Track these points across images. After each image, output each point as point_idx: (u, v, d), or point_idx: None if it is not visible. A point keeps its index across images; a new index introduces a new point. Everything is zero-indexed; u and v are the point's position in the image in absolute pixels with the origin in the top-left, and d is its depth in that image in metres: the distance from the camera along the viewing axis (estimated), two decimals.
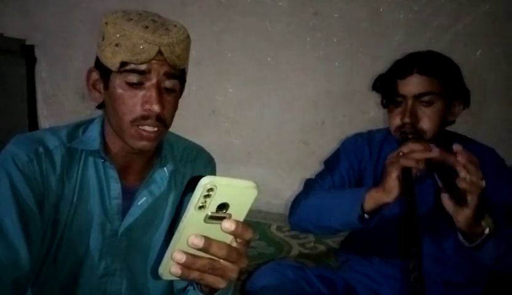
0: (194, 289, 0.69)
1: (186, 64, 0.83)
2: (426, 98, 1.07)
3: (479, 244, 0.93)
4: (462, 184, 0.88)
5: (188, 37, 0.81)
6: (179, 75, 0.81)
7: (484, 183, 0.88)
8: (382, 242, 1.16)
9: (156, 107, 0.77)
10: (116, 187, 0.86)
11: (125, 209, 0.87)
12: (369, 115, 2.29)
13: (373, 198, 0.99)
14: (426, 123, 1.07)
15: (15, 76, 2.65)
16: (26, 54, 2.69)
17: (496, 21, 2.07)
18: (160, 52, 0.76)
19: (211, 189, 0.51)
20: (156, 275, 0.61)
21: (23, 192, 0.76)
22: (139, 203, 0.87)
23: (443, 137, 1.12)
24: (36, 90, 2.79)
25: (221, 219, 0.54)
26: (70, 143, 0.84)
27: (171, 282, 0.92)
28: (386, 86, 1.15)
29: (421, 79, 1.07)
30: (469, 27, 2.09)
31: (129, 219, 0.87)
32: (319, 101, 2.37)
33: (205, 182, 0.51)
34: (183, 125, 0.96)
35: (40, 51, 2.75)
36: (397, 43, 2.20)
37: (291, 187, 2.42)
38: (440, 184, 0.95)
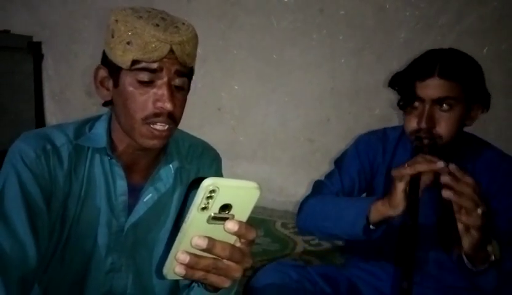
0: (198, 286, 0.70)
1: (194, 62, 0.83)
2: (445, 103, 1.02)
3: (481, 270, 0.90)
4: (460, 218, 0.84)
5: (196, 35, 0.81)
6: (188, 73, 0.82)
7: (480, 211, 0.83)
8: (385, 245, 1.14)
9: (168, 105, 0.78)
10: (122, 184, 0.86)
11: (131, 206, 0.88)
12: (375, 113, 2.28)
13: (378, 211, 0.98)
14: (443, 128, 1.03)
15: (22, 73, 2.68)
16: (33, 51, 2.71)
17: (503, 18, 2.05)
18: (171, 50, 0.76)
19: (213, 190, 0.52)
20: (160, 275, 0.62)
21: (31, 189, 0.77)
22: (145, 200, 0.88)
23: (459, 141, 1.09)
24: (42, 86, 2.81)
25: (224, 219, 0.54)
26: (77, 140, 0.84)
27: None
28: (403, 87, 1.09)
29: (441, 83, 1.01)
30: (476, 24, 2.08)
31: (135, 216, 0.87)
32: (324, 98, 2.37)
33: (207, 183, 0.51)
34: (188, 122, 0.96)
35: (47, 48, 2.77)
36: (403, 40, 2.19)
37: (296, 185, 2.43)
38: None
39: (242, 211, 0.55)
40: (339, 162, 1.26)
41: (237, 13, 2.42)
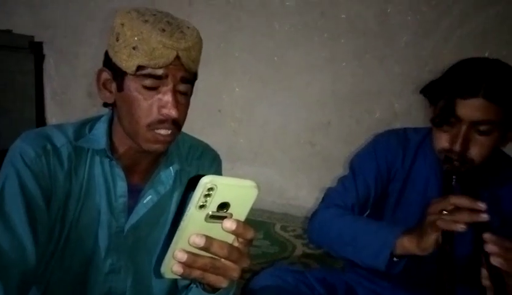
0: (196, 286, 0.70)
1: (198, 67, 0.83)
2: (484, 127, 0.94)
3: None
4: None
5: (201, 39, 0.81)
6: (192, 79, 0.82)
7: None
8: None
9: (173, 112, 0.77)
10: (122, 186, 0.86)
11: (131, 207, 0.87)
12: (375, 116, 2.28)
13: (404, 248, 0.93)
14: (477, 153, 0.95)
15: (23, 72, 2.68)
16: (35, 51, 2.71)
17: (505, 22, 2.05)
18: (177, 56, 0.76)
19: (211, 188, 0.51)
20: (158, 274, 0.62)
21: (31, 188, 0.77)
22: (144, 202, 0.88)
23: (488, 162, 1.01)
24: (43, 86, 2.81)
25: (222, 218, 0.54)
26: (76, 141, 0.84)
27: (175, 279, 0.92)
28: (440, 100, 0.99)
29: (485, 105, 0.92)
30: (478, 29, 2.08)
31: (134, 217, 0.87)
32: (325, 101, 2.37)
33: (205, 181, 0.51)
34: (189, 125, 0.96)
35: (48, 48, 2.77)
36: (404, 44, 2.20)
37: (296, 187, 2.43)
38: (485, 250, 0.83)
39: (240, 210, 0.55)
40: (354, 164, 1.18)
41: (238, 15, 2.42)
